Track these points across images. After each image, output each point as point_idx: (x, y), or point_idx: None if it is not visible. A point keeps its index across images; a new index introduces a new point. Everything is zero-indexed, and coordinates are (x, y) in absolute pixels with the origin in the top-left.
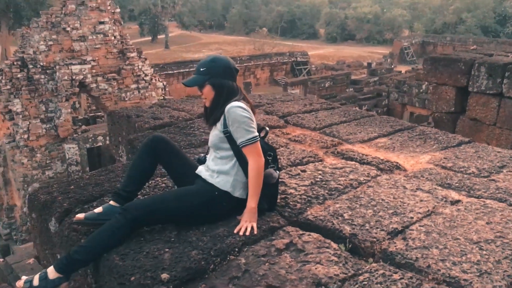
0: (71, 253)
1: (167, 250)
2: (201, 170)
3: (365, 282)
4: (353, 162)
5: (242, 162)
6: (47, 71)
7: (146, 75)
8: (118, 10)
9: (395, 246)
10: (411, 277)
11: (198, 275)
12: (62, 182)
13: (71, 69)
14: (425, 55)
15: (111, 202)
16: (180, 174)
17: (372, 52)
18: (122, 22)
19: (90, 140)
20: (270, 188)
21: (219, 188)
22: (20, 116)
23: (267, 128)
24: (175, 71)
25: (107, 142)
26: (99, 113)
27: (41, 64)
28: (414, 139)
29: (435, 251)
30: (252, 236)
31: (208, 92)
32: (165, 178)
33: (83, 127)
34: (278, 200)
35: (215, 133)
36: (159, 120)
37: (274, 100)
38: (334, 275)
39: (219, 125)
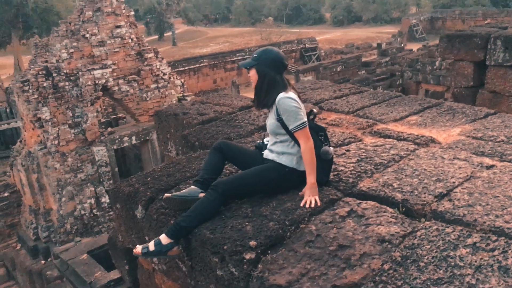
0: (178, 222)
1: (247, 223)
2: (267, 154)
3: (423, 236)
4: (391, 139)
5: (299, 143)
6: (71, 78)
7: (164, 74)
8: (132, 13)
9: (443, 206)
10: (461, 230)
11: (278, 241)
12: (139, 175)
13: (93, 74)
14: (434, 31)
15: (192, 187)
16: (245, 166)
17: (380, 32)
18: (137, 25)
19: (116, 141)
20: (327, 163)
21: (287, 166)
22: (49, 123)
23: (315, 110)
24: (186, 68)
25: (133, 142)
26: (121, 115)
27: (65, 71)
28: (443, 115)
29: (479, 207)
30: (317, 207)
31: (253, 75)
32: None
33: (109, 129)
34: (331, 177)
35: (271, 122)
36: (205, 115)
37: (305, 89)
38: (395, 232)
39: (273, 114)
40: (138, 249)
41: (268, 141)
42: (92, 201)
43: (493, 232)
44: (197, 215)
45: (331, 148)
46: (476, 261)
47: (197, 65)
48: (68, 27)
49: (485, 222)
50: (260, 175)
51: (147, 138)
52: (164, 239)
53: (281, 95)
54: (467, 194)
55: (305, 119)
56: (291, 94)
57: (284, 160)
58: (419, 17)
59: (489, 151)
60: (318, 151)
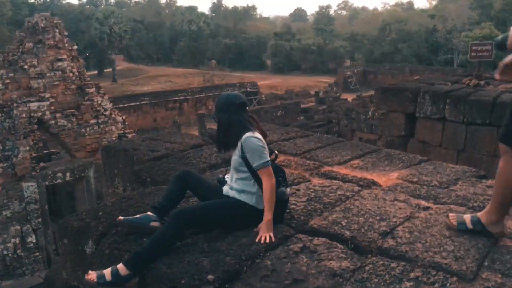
0: (138, 252)
1: (204, 258)
2: (227, 191)
3: (371, 271)
4: (337, 181)
5: (259, 181)
6: (4, 109)
7: (105, 110)
8: (75, 47)
9: (388, 243)
10: (404, 265)
11: (235, 276)
12: (90, 210)
13: (29, 106)
14: (367, 83)
15: (148, 213)
16: (205, 197)
17: (317, 81)
18: (79, 59)
19: (49, 177)
20: (283, 204)
21: (247, 203)
22: None
23: (276, 152)
24: (125, 105)
25: (67, 178)
26: (54, 150)
27: None
28: (382, 160)
29: (419, 245)
30: (271, 243)
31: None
32: (183, 202)
33: (42, 164)
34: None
35: (234, 158)
36: (157, 152)
37: None
38: (346, 267)
39: (237, 151)
40: (92, 276)
41: (228, 177)
42: (17, 240)
43: (433, 267)
44: (156, 245)
45: (288, 189)
46: None
47: (137, 103)
48: (6, 57)
49: (425, 258)
50: (221, 209)
51: (83, 174)
52: (122, 269)
53: (248, 134)
54: (408, 233)
55: (269, 159)
56: (257, 134)
57: (244, 198)
58: (353, 70)
59: (425, 194)
60: (276, 191)
